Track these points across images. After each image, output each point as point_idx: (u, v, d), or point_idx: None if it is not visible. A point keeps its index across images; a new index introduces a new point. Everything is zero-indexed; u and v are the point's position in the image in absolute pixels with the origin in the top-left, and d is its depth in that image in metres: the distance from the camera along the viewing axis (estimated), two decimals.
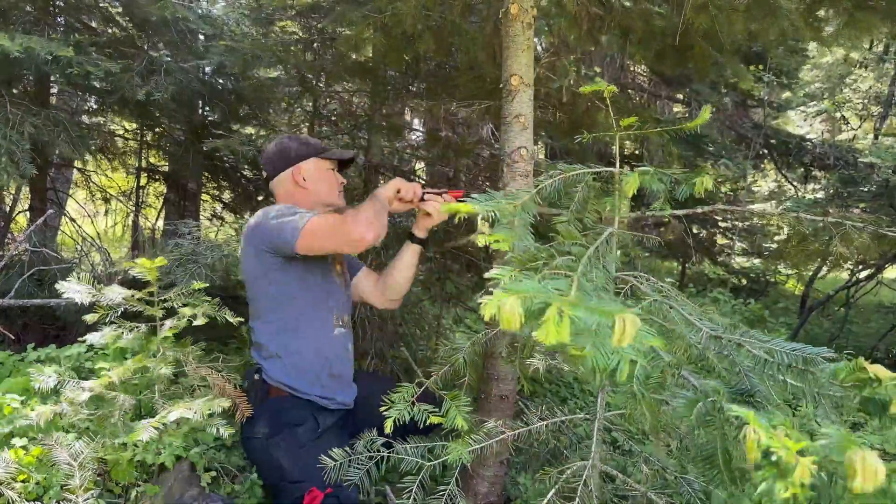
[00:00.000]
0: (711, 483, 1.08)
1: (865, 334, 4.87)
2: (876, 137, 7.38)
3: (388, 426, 1.24)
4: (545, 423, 1.27)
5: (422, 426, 1.31)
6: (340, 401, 1.68)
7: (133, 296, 1.79)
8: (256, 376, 1.65)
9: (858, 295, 4.94)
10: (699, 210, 1.76)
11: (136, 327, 1.88)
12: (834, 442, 0.67)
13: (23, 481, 1.51)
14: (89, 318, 1.81)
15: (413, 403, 1.23)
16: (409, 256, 1.82)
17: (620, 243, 1.20)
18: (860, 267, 4.95)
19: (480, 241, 0.96)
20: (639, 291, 1.25)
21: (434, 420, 1.21)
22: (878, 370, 0.83)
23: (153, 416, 1.51)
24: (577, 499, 1.16)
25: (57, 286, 1.80)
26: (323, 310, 1.67)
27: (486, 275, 0.85)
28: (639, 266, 1.57)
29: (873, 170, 3.99)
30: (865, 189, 3.96)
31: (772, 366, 1.08)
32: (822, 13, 2.15)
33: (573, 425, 1.53)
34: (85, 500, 1.46)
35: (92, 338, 1.90)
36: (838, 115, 9.03)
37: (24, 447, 1.63)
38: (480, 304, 0.70)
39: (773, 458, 0.64)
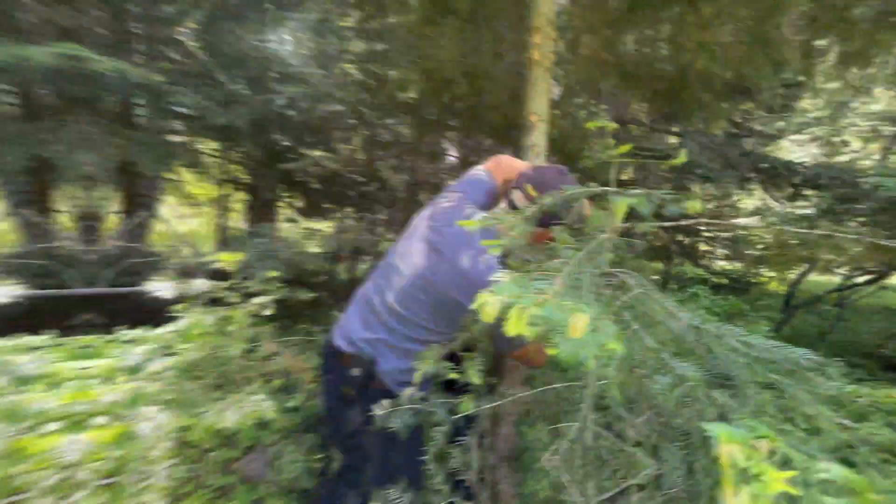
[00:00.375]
0: (691, 459, 1.18)
1: (866, 332, 4.57)
2: (884, 157, 7.08)
3: (417, 377, 1.30)
4: (547, 388, 1.46)
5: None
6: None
7: (218, 285, 1.93)
8: None
9: (855, 298, 4.73)
10: (683, 223, 1.91)
11: (217, 311, 2.00)
12: (843, 484, 0.61)
13: (98, 461, 1.48)
14: (181, 307, 1.91)
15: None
16: None
17: (613, 247, 1.36)
18: (858, 272, 4.75)
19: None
20: (626, 285, 1.41)
21: (452, 375, 1.34)
22: None
23: (230, 389, 1.60)
24: (574, 454, 1.31)
25: (145, 284, 1.91)
26: None
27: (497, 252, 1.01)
28: (627, 267, 1.74)
29: (876, 189, 3.84)
30: (865, 206, 3.81)
31: (753, 360, 1.11)
32: (823, 42, 2.04)
33: (571, 392, 1.71)
34: (164, 469, 1.46)
35: (177, 322, 2.03)
36: (838, 139, 8.76)
37: (102, 426, 1.62)
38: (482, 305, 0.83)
39: (750, 479, 0.61)
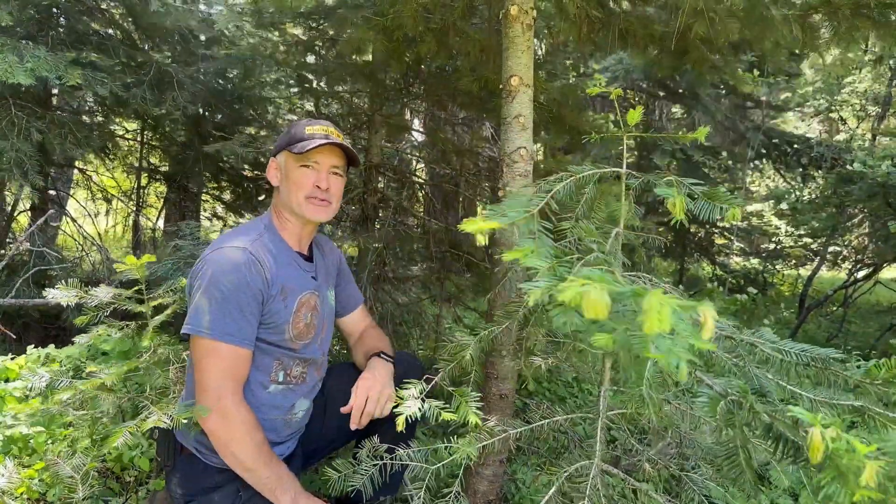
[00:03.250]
0: (731, 481, 1.08)
1: (864, 333, 4.88)
2: (874, 138, 7.41)
3: (401, 423, 1.19)
4: (546, 421, 1.28)
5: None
6: (277, 453, 1.40)
7: (121, 295, 1.74)
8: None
9: (856, 295, 4.97)
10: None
11: (126, 325, 1.84)
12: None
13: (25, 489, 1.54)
14: (79, 320, 1.75)
15: (423, 400, 1.23)
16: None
17: (625, 244, 1.20)
18: (858, 266, 4.98)
19: (468, 227, 0.95)
20: None
21: (446, 416, 1.20)
22: None
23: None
24: (585, 498, 1.16)
25: (44, 292, 1.75)
26: (252, 366, 1.35)
27: (505, 256, 0.83)
28: (642, 268, 1.58)
29: (864, 175, 4.01)
30: (861, 189, 3.98)
31: (786, 366, 1.08)
32: (816, 19, 2.16)
33: (573, 424, 1.54)
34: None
35: (80, 339, 1.88)
36: (836, 115, 9.06)
37: (22, 463, 1.67)
38: (527, 291, 0.69)
39: (838, 461, 0.63)
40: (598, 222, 1.14)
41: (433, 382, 1.29)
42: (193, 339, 1.28)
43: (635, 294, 0.63)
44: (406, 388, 1.26)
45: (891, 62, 6.71)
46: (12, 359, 2.38)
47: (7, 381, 2.24)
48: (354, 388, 1.36)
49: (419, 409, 1.19)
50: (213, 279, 1.26)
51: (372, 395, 1.34)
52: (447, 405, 1.22)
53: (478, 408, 1.17)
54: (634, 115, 1.18)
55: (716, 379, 1.16)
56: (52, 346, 2.56)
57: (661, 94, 5.28)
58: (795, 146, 5.27)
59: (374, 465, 1.26)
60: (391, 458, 1.24)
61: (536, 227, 0.95)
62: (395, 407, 1.25)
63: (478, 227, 0.90)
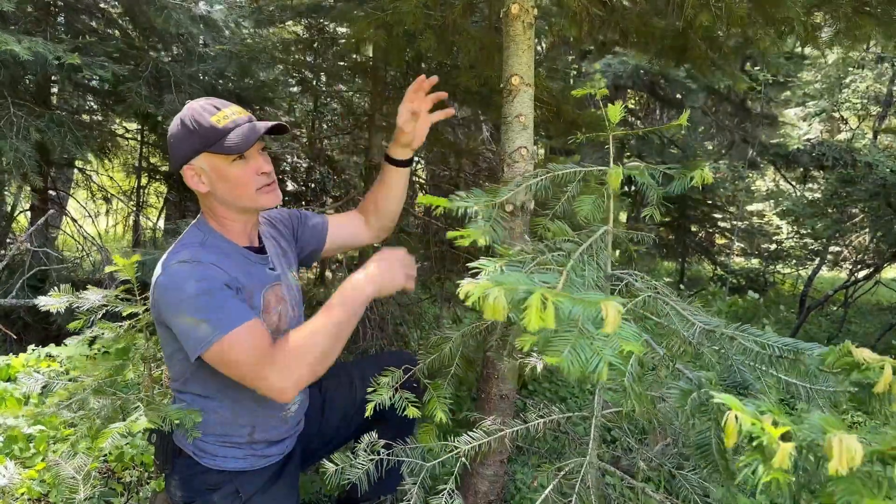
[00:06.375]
0: (707, 474, 1.09)
1: (864, 334, 4.87)
2: (875, 136, 7.40)
3: (369, 410, 1.19)
4: (544, 420, 1.27)
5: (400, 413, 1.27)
6: (276, 452, 1.39)
7: (114, 296, 1.70)
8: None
9: (857, 294, 4.97)
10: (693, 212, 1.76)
11: (119, 326, 1.82)
12: (816, 425, 0.67)
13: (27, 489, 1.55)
14: (72, 325, 1.71)
15: (396, 390, 1.23)
16: (401, 183, 1.53)
17: (616, 241, 1.20)
18: (858, 266, 4.99)
19: (451, 235, 0.96)
20: (633, 288, 1.26)
21: (411, 413, 1.18)
22: (864, 353, 0.83)
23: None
24: (575, 495, 1.16)
25: (36, 300, 1.73)
26: None
27: (470, 265, 0.85)
28: (635, 266, 1.57)
29: (871, 169, 4.01)
30: (863, 188, 3.98)
31: (763, 357, 1.08)
32: (818, 18, 2.17)
33: (572, 424, 1.53)
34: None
35: (71, 342, 1.87)
36: (837, 115, 9.06)
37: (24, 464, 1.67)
38: (459, 286, 0.71)
39: (755, 443, 0.64)
40: (584, 220, 1.14)
41: (411, 372, 1.28)
42: (206, 355, 1.16)
43: (529, 293, 0.65)
44: (384, 377, 1.25)
45: (894, 60, 6.70)
46: (16, 355, 2.38)
47: (9, 380, 2.24)
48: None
49: (389, 399, 1.19)
50: (178, 297, 1.15)
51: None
52: (417, 400, 1.22)
53: (478, 408, 1.17)
54: (615, 112, 1.16)
55: (699, 372, 1.16)
56: (51, 345, 2.56)
57: (660, 93, 5.28)
58: (796, 145, 5.27)
59: (372, 461, 1.26)
60: (388, 455, 1.24)
61: (495, 215, 0.98)
62: (369, 393, 1.24)
63: (431, 201, 0.97)
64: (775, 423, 0.66)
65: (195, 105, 1.26)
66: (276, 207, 1.44)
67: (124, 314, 1.75)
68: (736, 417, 0.66)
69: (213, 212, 1.31)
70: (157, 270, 1.22)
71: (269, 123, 1.26)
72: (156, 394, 1.70)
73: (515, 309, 0.66)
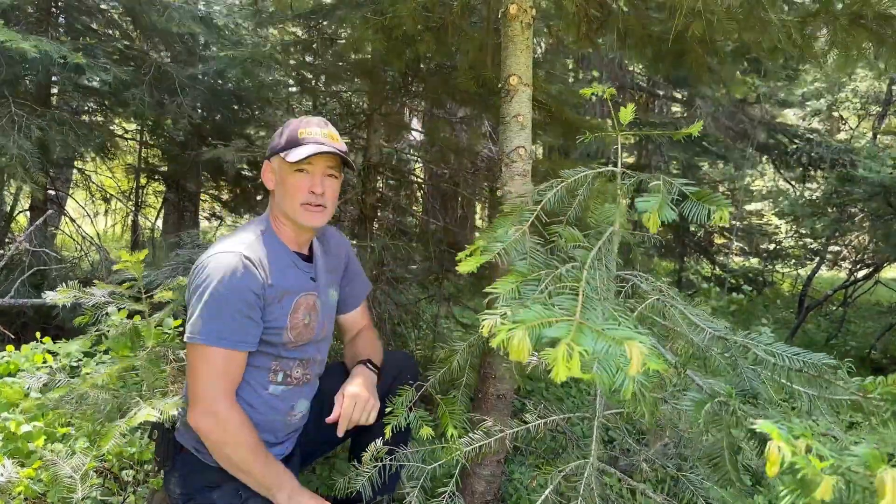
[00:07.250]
0: (718, 483, 1.09)
1: (863, 334, 4.88)
2: (874, 137, 7.41)
3: (388, 432, 1.24)
4: (543, 420, 1.27)
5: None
6: (277, 452, 1.42)
7: (119, 293, 1.74)
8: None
9: (856, 294, 4.97)
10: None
11: (125, 324, 1.84)
12: (862, 459, 0.67)
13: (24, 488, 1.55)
14: (77, 320, 1.76)
15: (411, 409, 1.24)
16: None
17: (621, 243, 1.21)
18: (858, 266, 4.99)
19: (463, 268, 0.98)
20: (639, 290, 1.26)
21: (425, 432, 1.22)
22: None
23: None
24: (578, 497, 1.16)
25: (43, 294, 1.75)
26: (251, 367, 1.35)
27: (487, 289, 0.86)
28: (637, 266, 1.58)
29: (867, 175, 4.01)
30: (861, 189, 3.98)
31: (779, 369, 1.09)
32: (812, 28, 2.18)
33: (570, 424, 1.53)
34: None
35: (76, 339, 1.88)
36: (837, 114, 9.06)
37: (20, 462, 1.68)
38: (482, 321, 0.72)
39: (797, 474, 0.65)
40: (594, 223, 1.14)
41: (423, 389, 1.29)
42: (188, 346, 1.29)
43: (555, 339, 0.68)
44: (398, 396, 1.26)
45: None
46: (17, 349, 2.38)
47: (10, 375, 2.24)
48: (339, 397, 1.37)
49: (405, 419, 1.22)
50: (206, 285, 1.26)
51: (359, 403, 1.34)
52: (431, 415, 1.25)
53: (475, 409, 1.17)
54: (626, 114, 1.17)
55: (710, 380, 1.17)
56: (49, 340, 2.55)
57: (661, 93, 5.28)
58: (796, 145, 5.27)
59: (374, 467, 1.27)
60: (389, 459, 1.25)
61: (527, 244, 0.99)
62: (388, 413, 1.27)
63: (470, 266, 0.97)
64: (809, 449, 0.67)
65: (302, 117, 1.44)
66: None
67: (123, 314, 1.77)
68: (779, 448, 0.67)
69: (272, 209, 1.43)
70: (210, 250, 1.33)
71: (332, 148, 1.35)
72: (159, 393, 1.71)
73: (539, 348, 0.69)
